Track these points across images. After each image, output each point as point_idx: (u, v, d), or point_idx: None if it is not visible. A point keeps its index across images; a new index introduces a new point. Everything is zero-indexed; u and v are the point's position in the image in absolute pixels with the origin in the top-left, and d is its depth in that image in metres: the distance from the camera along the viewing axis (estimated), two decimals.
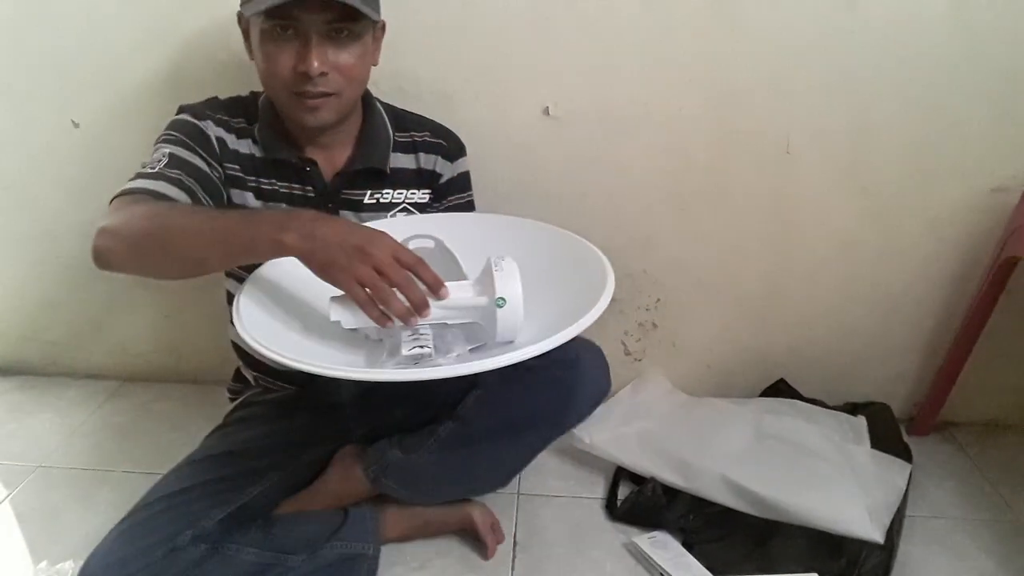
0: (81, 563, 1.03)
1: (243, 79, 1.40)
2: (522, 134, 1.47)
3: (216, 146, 1.15)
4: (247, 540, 1.13)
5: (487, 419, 1.23)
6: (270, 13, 1.02)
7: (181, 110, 1.17)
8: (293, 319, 1.00)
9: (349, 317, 0.92)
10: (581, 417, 1.31)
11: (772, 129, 1.45)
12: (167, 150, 1.09)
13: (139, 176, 1.06)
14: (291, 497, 1.26)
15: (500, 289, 0.89)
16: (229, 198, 1.17)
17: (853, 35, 1.36)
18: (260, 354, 0.86)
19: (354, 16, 1.05)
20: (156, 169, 1.06)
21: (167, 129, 1.15)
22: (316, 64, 1.04)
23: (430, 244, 1.09)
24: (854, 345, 1.67)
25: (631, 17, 1.37)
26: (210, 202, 1.10)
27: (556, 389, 1.24)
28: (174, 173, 1.06)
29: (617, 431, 1.37)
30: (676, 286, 1.61)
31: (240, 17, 1.12)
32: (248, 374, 1.37)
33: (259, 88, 1.17)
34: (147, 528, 1.07)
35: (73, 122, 1.50)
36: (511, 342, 0.92)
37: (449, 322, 0.93)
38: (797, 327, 1.66)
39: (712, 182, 1.51)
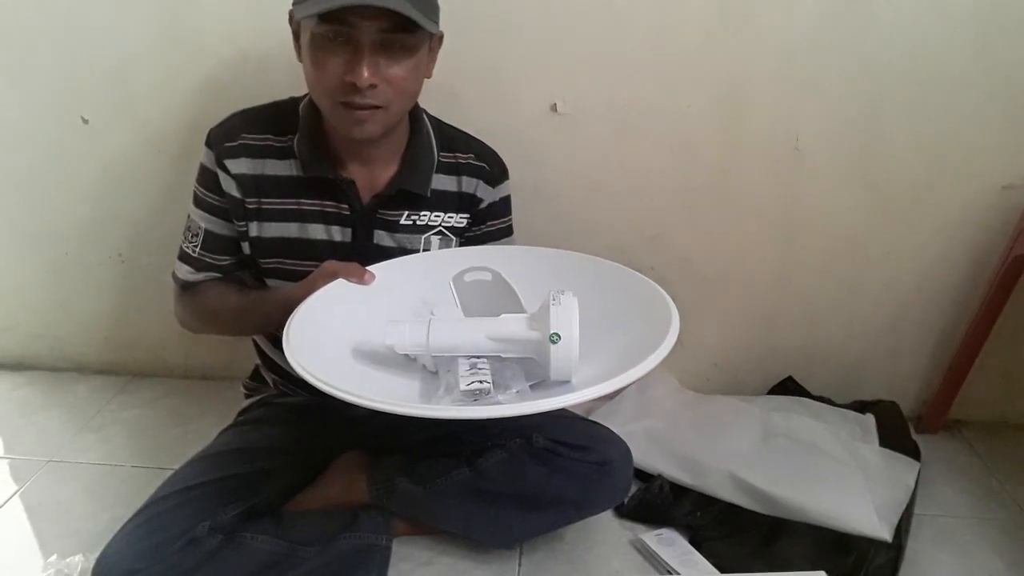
0: (92, 557, 1.03)
1: (251, 76, 1.42)
2: (530, 131, 1.46)
3: (238, 192, 1.14)
4: (261, 530, 1.13)
5: (502, 483, 1.22)
6: (323, 17, 0.97)
7: (208, 140, 1.15)
8: (342, 345, 0.97)
9: (404, 342, 0.91)
10: (592, 514, 1.30)
11: (781, 126, 1.45)
12: (202, 225, 1.19)
13: (185, 259, 1.21)
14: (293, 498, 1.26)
15: (555, 324, 0.86)
16: (264, 238, 1.18)
17: (863, 32, 1.36)
18: (312, 386, 0.83)
19: (411, 27, 0.99)
20: (196, 253, 1.20)
21: (198, 178, 1.18)
22: (367, 75, 0.99)
23: (487, 276, 1.06)
24: (863, 343, 1.67)
25: (639, 13, 1.36)
26: (242, 273, 1.25)
27: (579, 484, 1.22)
28: (211, 259, 1.20)
29: (624, 428, 1.37)
30: (683, 283, 1.60)
31: (291, 17, 1.07)
32: (268, 376, 1.38)
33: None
34: (163, 522, 1.07)
35: (83, 119, 1.50)
36: (568, 382, 0.89)
37: (504, 356, 0.92)
38: (805, 325, 1.66)
39: (720, 179, 1.51)
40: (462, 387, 0.86)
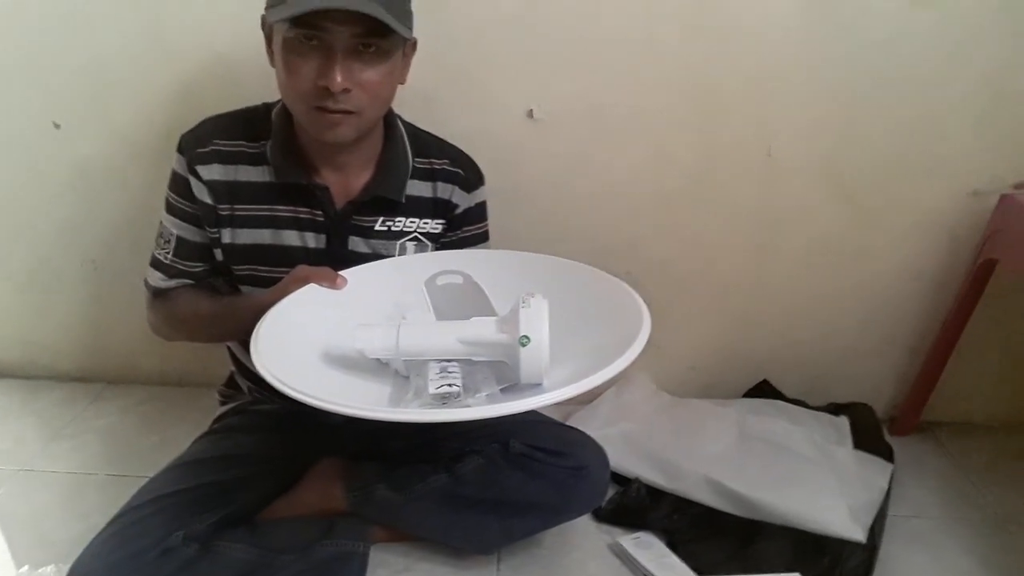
0: (65, 567, 1.02)
1: (227, 80, 1.41)
2: (506, 136, 1.47)
3: (210, 198, 1.14)
4: (237, 538, 1.12)
5: (480, 489, 1.22)
6: (296, 22, 0.97)
7: (180, 146, 1.15)
8: (313, 350, 0.97)
9: (375, 346, 0.91)
10: (570, 519, 1.30)
11: (755, 131, 1.46)
12: (174, 231, 1.18)
13: (157, 265, 1.21)
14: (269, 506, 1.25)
15: (524, 327, 0.86)
16: (237, 245, 1.17)
17: (836, 38, 1.38)
18: (282, 392, 0.83)
19: (384, 32, 0.99)
20: (168, 260, 1.19)
21: (170, 184, 1.17)
22: (340, 80, 0.98)
23: (458, 280, 1.06)
24: (836, 346, 1.69)
25: (615, 19, 1.37)
26: (215, 280, 1.24)
27: (556, 489, 1.23)
28: (183, 266, 1.20)
29: (601, 431, 1.38)
30: (660, 287, 1.60)
31: (264, 22, 1.06)
32: (243, 383, 1.37)
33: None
34: (138, 531, 1.06)
35: (54, 124, 1.49)
36: (539, 385, 0.89)
37: (475, 359, 0.92)
38: (780, 328, 1.68)
39: (696, 184, 1.52)
40: (431, 391, 0.86)
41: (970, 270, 1.50)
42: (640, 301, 0.95)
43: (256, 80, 1.27)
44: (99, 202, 1.57)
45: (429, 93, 1.40)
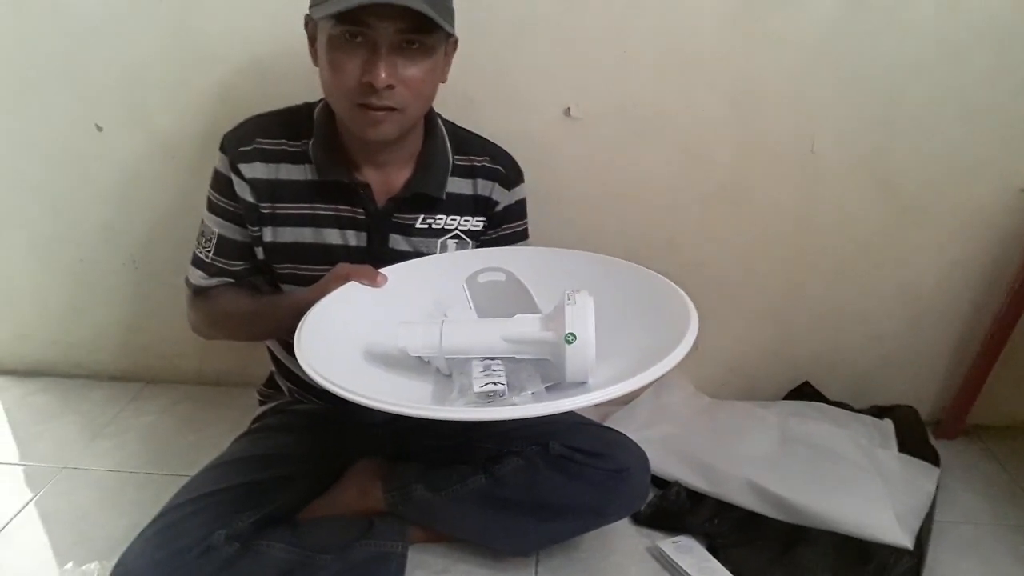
0: (107, 564, 1.03)
1: (264, 82, 1.42)
2: (543, 135, 1.46)
3: (252, 197, 1.15)
4: (277, 538, 1.12)
5: (519, 491, 1.21)
6: (341, 18, 0.97)
7: (222, 145, 1.15)
8: (355, 349, 0.96)
9: (417, 344, 0.90)
10: (609, 522, 1.28)
11: (796, 129, 1.44)
12: (216, 230, 1.19)
13: (198, 263, 1.21)
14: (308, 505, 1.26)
15: (570, 324, 0.85)
16: (278, 243, 1.18)
17: (879, 34, 1.35)
18: (324, 388, 0.82)
19: (428, 28, 0.99)
20: (210, 258, 1.20)
21: (212, 182, 1.18)
22: (384, 75, 0.98)
23: (501, 277, 1.05)
24: (880, 348, 1.65)
25: (652, 17, 1.36)
26: (256, 279, 1.25)
27: (597, 491, 1.21)
28: (224, 264, 1.20)
29: (640, 434, 1.36)
30: (697, 288, 1.54)
31: (307, 22, 1.07)
32: (283, 384, 1.38)
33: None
34: (180, 529, 1.07)
35: (97, 126, 1.51)
36: (584, 383, 0.88)
37: (519, 357, 0.91)
38: (821, 330, 1.65)
39: (735, 183, 1.50)
40: (476, 389, 0.85)
41: (1019, 269, 1.46)
42: (687, 299, 0.94)
43: (293, 81, 1.28)
44: (140, 202, 1.59)
45: (468, 92, 1.39)
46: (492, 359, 0.90)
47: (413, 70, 1.02)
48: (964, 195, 1.47)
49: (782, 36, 1.36)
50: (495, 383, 0.85)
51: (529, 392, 0.86)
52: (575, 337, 0.85)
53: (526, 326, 0.90)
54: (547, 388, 0.89)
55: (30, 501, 1.40)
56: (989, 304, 1.56)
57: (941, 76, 1.37)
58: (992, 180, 1.46)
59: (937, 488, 1.41)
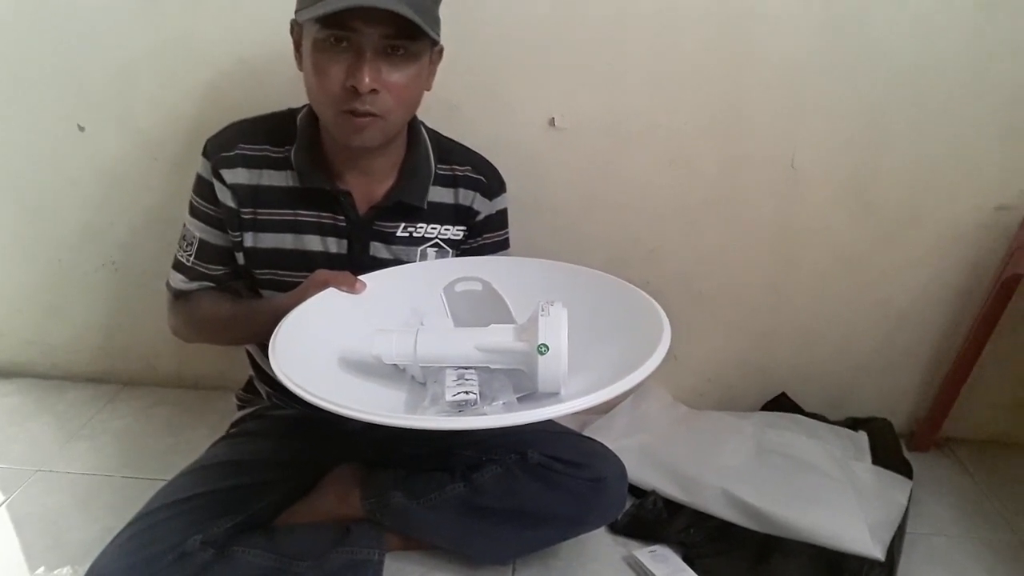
0: (80, 569, 1.02)
1: (250, 85, 1.42)
2: (528, 145, 1.47)
3: (233, 202, 1.14)
4: (253, 544, 1.12)
5: (497, 499, 1.21)
6: (326, 22, 0.97)
7: (205, 150, 1.15)
8: (330, 355, 0.97)
9: (391, 351, 0.91)
10: (586, 531, 1.29)
11: (777, 144, 1.46)
12: (197, 234, 1.19)
13: (179, 267, 1.22)
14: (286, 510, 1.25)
15: (543, 335, 0.85)
16: (259, 249, 1.17)
17: (860, 52, 1.37)
18: (299, 397, 0.82)
19: (414, 34, 0.99)
20: (190, 262, 1.20)
21: (194, 187, 1.18)
22: (368, 79, 0.98)
23: (477, 287, 1.05)
24: (856, 360, 1.67)
25: (638, 29, 1.37)
26: (236, 283, 1.25)
27: (575, 500, 1.22)
28: (204, 268, 1.20)
29: (618, 443, 1.37)
30: (679, 298, 1.60)
31: (293, 27, 1.07)
32: (262, 389, 1.37)
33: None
34: (155, 535, 1.06)
35: (79, 126, 1.50)
36: (557, 394, 0.88)
37: (492, 367, 0.91)
38: (799, 342, 1.66)
39: (717, 196, 1.51)
40: (448, 397, 0.85)
41: (994, 285, 1.48)
42: (660, 311, 0.94)
43: (280, 85, 1.28)
44: (121, 204, 1.58)
45: (452, 101, 1.40)
46: (466, 368, 0.91)
47: (397, 76, 1.03)
48: (941, 212, 1.49)
49: (765, 51, 1.38)
50: (467, 392, 0.86)
51: (501, 402, 0.87)
52: (547, 348, 0.85)
53: (499, 336, 0.91)
54: (520, 398, 0.89)
55: (2, 504, 1.39)
56: (964, 319, 1.59)
57: (918, 96, 1.39)
58: (968, 198, 1.48)
59: (909, 500, 1.43)
